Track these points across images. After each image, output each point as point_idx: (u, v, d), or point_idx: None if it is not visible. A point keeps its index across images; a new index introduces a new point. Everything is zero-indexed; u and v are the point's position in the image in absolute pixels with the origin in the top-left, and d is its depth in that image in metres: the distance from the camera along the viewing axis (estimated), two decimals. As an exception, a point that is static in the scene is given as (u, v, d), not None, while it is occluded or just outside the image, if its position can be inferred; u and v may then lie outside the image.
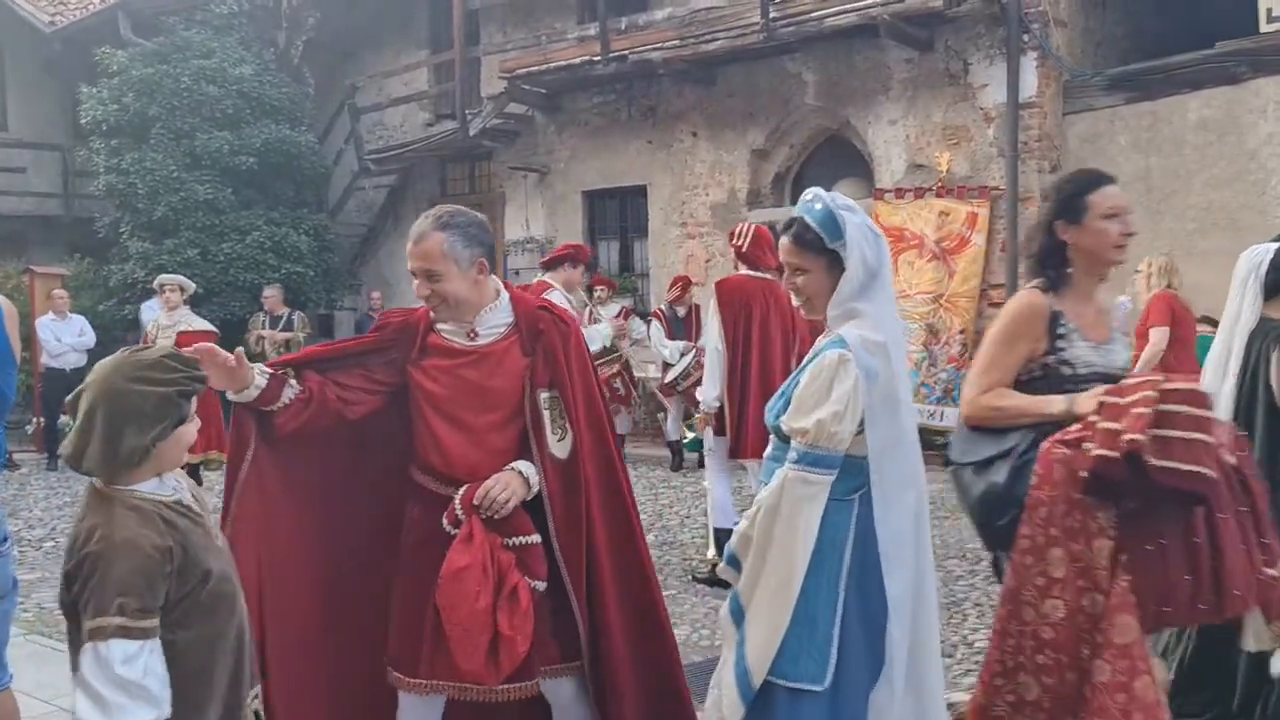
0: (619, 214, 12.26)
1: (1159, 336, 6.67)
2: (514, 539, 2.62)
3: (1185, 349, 6.77)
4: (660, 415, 10.30)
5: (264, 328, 11.02)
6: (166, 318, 8.12)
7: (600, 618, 2.76)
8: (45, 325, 10.56)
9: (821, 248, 2.51)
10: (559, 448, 2.70)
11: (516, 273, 12.57)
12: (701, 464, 9.61)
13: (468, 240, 2.64)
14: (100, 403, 1.95)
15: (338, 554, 2.78)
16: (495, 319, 2.72)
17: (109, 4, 13.70)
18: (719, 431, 5.73)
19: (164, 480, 2.05)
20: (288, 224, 12.79)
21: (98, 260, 13.26)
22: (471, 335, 2.70)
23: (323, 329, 14.00)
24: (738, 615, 2.50)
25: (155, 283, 8.76)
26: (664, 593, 5.60)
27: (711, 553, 5.81)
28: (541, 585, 2.62)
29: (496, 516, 2.59)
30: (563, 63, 11.42)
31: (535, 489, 2.65)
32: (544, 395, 2.70)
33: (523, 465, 2.66)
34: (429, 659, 2.62)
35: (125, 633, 1.86)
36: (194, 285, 9.00)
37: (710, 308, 5.72)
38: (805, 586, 2.41)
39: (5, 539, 2.91)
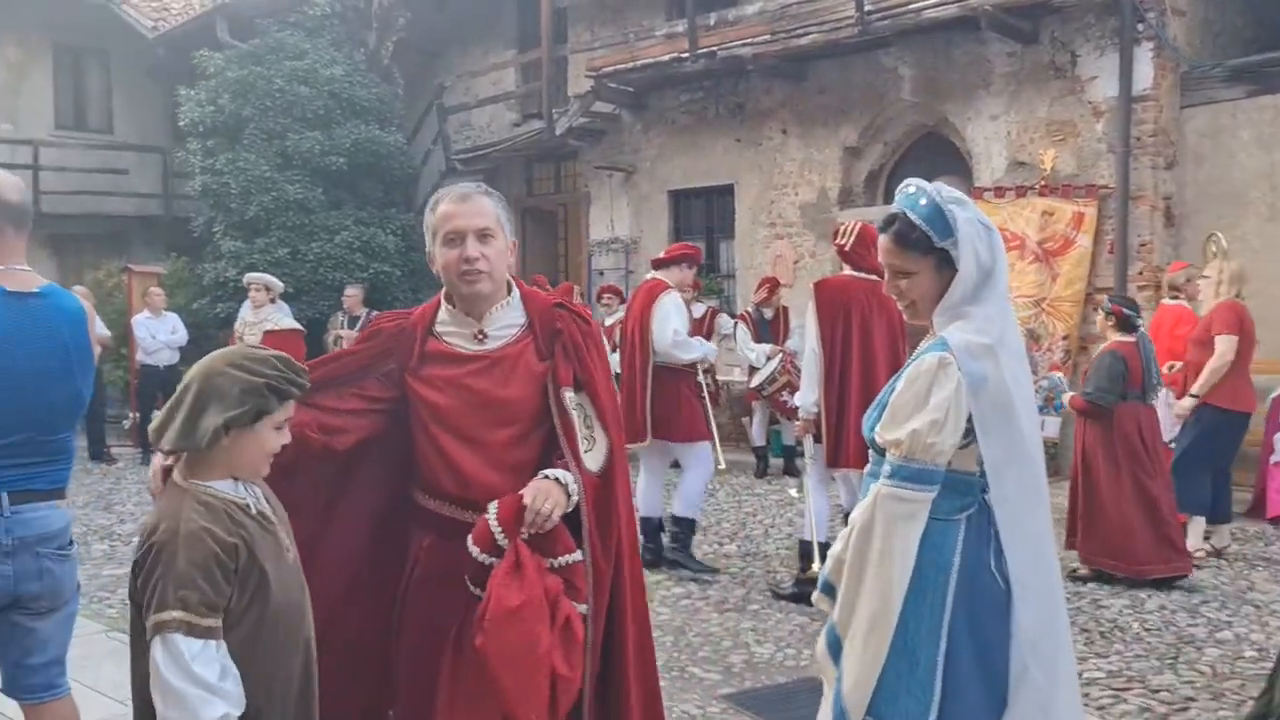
0: (705, 214, 12.04)
1: (1226, 345, 6.17)
2: (559, 559, 2.24)
3: (1244, 362, 6.30)
4: (745, 420, 10.05)
5: (343, 328, 11.08)
6: (253, 315, 8.21)
7: (618, 665, 2.40)
8: (141, 323, 10.82)
9: (929, 247, 2.25)
10: (591, 459, 2.34)
11: (601, 273, 12.47)
12: (787, 470, 9.39)
13: (508, 215, 2.43)
14: (195, 381, 2.00)
15: (325, 593, 2.33)
16: (506, 318, 2.38)
17: (208, 8, 14.00)
18: (819, 438, 5.49)
19: (239, 484, 2.05)
20: (376, 224, 12.87)
21: (193, 259, 13.54)
22: (479, 337, 2.36)
23: (409, 328, 14.06)
24: (835, 649, 2.26)
25: (245, 281, 8.86)
26: (748, 608, 5.43)
27: (817, 565, 5.56)
28: (586, 609, 2.27)
29: (542, 531, 2.22)
30: (650, 60, 11.26)
31: (575, 498, 2.28)
32: (570, 395, 2.35)
33: (558, 472, 2.28)
34: (448, 711, 2.25)
35: (189, 629, 1.86)
36: (281, 285, 9.08)
37: (809, 309, 5.49)
38: (904, 616, 2.16)
39: (71, 542, 2.83)
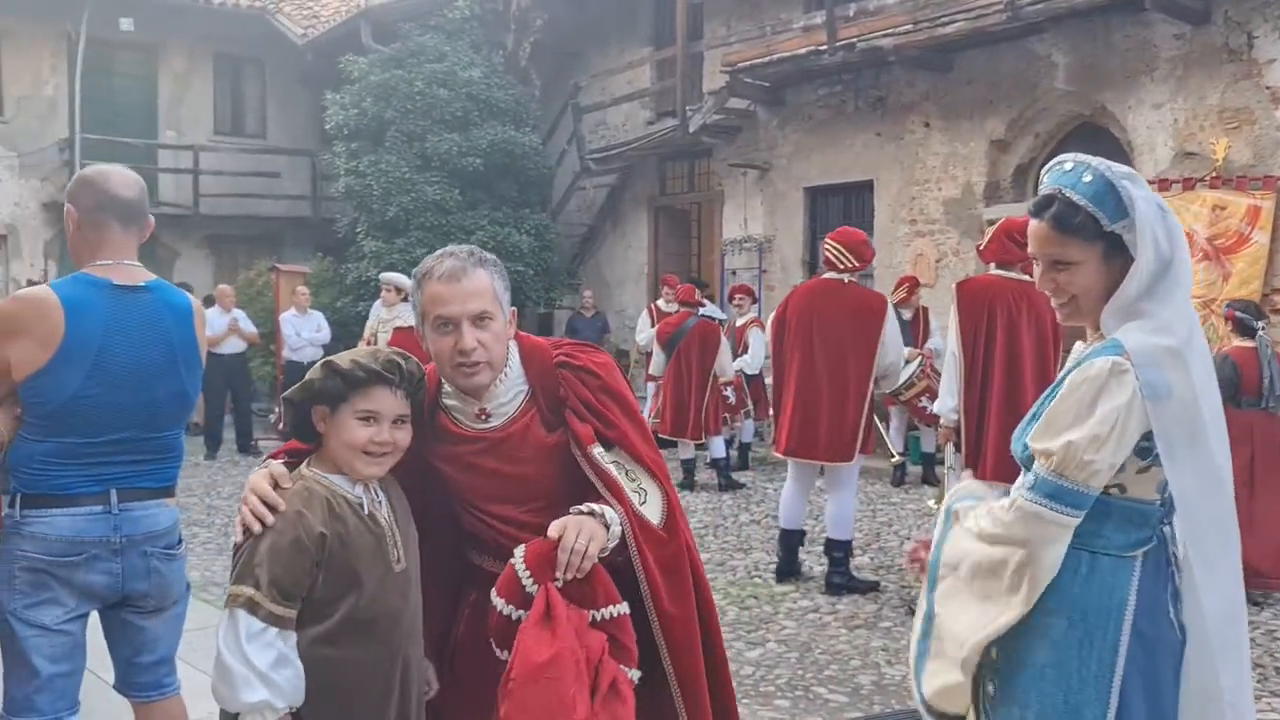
0: (843, 211, 11.64)
1: None
2: (601, 611, 1.94)
3: None
4: (881, 425, 9.67)
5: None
6: (386, 313, 8.43)
7: None
8: (287, 320, 11.25)
9: (1097, 232, 1.88)
10: (650, 511, 2.05)
11: (734, 273, 12.25)
12: (925, 479, 8.97)
13: (505, 283, 2.12)
14: None
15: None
16: (508, 391, 2.12)
17: (353, 14, 14.42)
18: (960, 446, 5.17)
19: (357, 484, 2.02)
20: (510, 224, 12.98)
21: (337, 259, 13.95)
22: (482, 416, 2.11)
23: (541, 328, 14.18)
24: (920, 654, 2.03)
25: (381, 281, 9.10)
26: (879, 625, 5.14)
27: (944, 582, 5.24)
28: (638, 675, 1.96)
29: (580, 575, 1.91)
30: (786, 54, 10.96)
31: (616, 529, 1.99)
32: (600, 452, 2.07)
33: (594, 506, 2.00)
34: None
35: (251, 608, 1.86)
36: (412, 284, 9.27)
37: (952, 311, 5.16)
38: (1066, 668, 1.85)
39: (179, 541, 2.81)
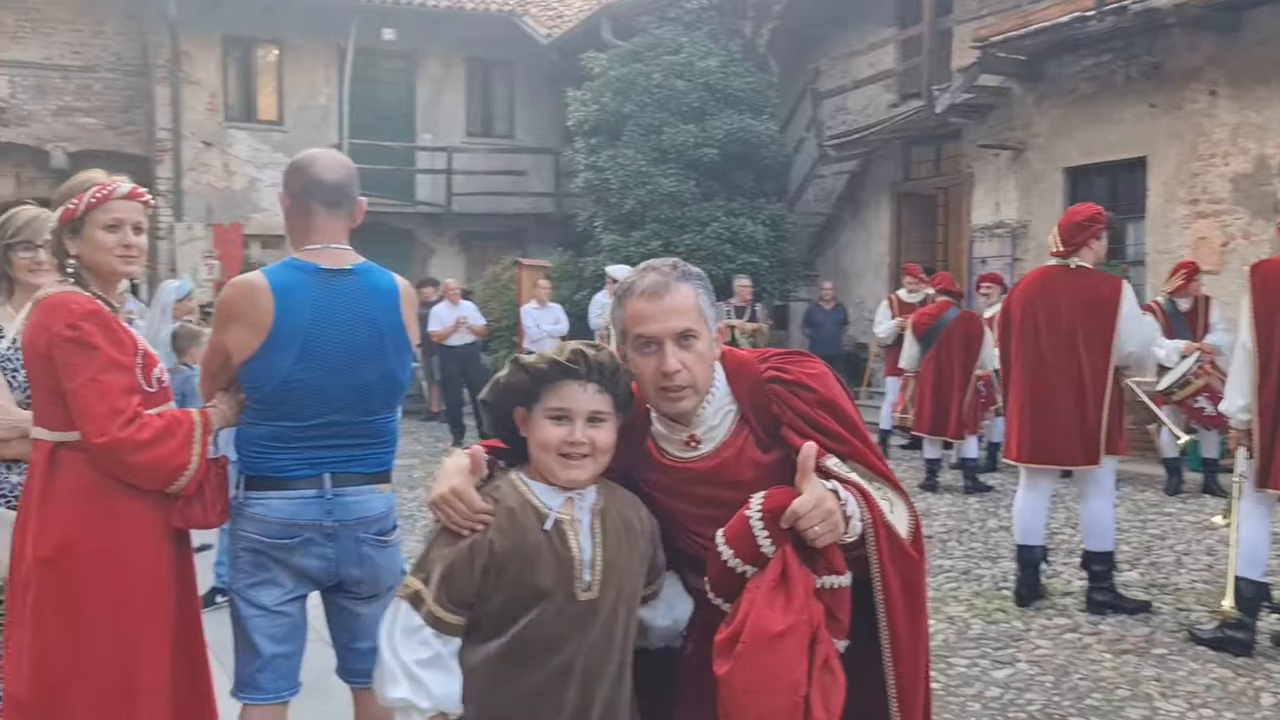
0: (1109, 192, 10.65)
1: None
2: (826, 580, 1.78)
3: None
4: (1152, 427, 8.73)
5: (729, 317, 11.08)
6: (617, 306, 8.55)
7: None
8: (528, 313, 11.61)
9: None
10: (897, 521, 1.84)
11: (983, 261, 11.52)
12: (1206, 488, 8.02)
13: (711, 298, 1.96)
14: None
15: None
16: (715, 413, 1.95)
17: (595, 11, 14.68)
18: (1252, 453, 4.48)
19: (560, 494, 1.89)
20: (746, 214, 12.78)
21: (577, 253, 14.25)
22: (691, 444, 1.96)
23: (778, 320, 13.90)
24: None
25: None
26: (1152, 651, 4.55)
27: (1227, 603, 4.58)
28: (845, 645, 1.83)
29: (819, 544, 1.75)
30: (1046, 23, 10.12)
31: (856, 526, 1.79)
32: (834, 462, 1.84)
33: (838, 487, 1.79)
34: None
35: (416, 602, 1.81)
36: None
37: (1243, 298, 4.47)
38: None
39: (394, 527, 2.78)
